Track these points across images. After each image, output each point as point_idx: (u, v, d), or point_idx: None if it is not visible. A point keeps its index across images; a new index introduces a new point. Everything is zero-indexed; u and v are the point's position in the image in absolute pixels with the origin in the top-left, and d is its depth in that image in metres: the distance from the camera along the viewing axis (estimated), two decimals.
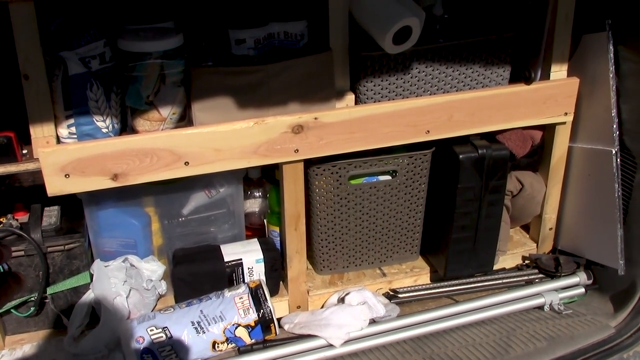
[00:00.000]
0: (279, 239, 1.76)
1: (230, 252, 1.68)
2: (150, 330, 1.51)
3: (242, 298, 1.58)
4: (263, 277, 1.69)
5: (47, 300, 1.58)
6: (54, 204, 1.63)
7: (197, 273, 1.64)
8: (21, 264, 1.55)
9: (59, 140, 1.45)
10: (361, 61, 1.56)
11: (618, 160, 1.67)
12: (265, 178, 1.81)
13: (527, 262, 1.93)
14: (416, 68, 1.60)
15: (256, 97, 1.51)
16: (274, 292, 1.73)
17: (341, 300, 1.72)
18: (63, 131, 1.44)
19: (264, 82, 1.50)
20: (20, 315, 1.59)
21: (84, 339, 1.53)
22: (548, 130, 1.81)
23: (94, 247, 1.65)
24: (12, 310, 1.57)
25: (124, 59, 1.44)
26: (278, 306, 1.70)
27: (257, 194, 1.81)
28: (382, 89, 1.60)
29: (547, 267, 1.85)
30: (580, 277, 1.83)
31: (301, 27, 1.58)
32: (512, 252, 1.93)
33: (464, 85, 1.67)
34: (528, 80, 1.69)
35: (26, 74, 1.35)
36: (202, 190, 1.68)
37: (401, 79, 1.61)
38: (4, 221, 1.55)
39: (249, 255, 1.67)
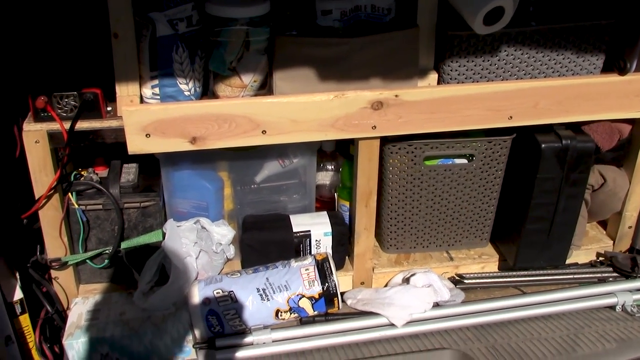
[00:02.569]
0: (348, 213, 1.75)
1: (299, 223, 1.68)
2: (217, 293, 1.54)
3: (308, 270, 1.59)
4: (330, 251, 1.69)
5: (120, 254, 1.63)
6: (133, 162, 1.67)
7: (265, 241, 1.65)
8: (98, 217, 1.60)
9: (142, 100, 1.48)
10: (448, 40, 1.52)
11: None
12: (339, 151, 1.80)
13: (601, 259, 1.86)
14: (504, 51, 1.55)
15: (338, 70, 1.50)
16: (339, 266, 1.73)
17: (406, 280, 1.70)
18: (147, 91, 1.47)
19: (347, 56, 1.49)
20: (95, 267, 1.64)
21: (153, 295, 1.57)
22: (637, 125, 1.72)
23: (168, 207, 1.69)
24: (87, 260, 1.63)
25: (210, 23, 1.45)
26: (342, 281, 1.70)
27: (330, 167, 1.80)
28: (467, 70, 1.56)
29: (622, 266, 1.79)
30: None
31: (389, 1, 1.55)
32: (586, 248, 1.87)
33: (552, 72, 1.61)
34: (622, 71, 1.60)
35: (116, 33, 1.38)
36: (276, 159, 1.68)
37: (488, 61, 1.56)
38: (85, 175, 1.60)
39: (317, 228, 1.68)
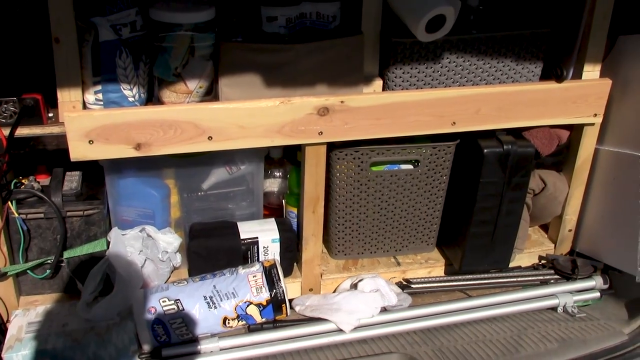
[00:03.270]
0: (296, 220, 1.75)
1: (246, 230, 1.68)
2: (163, 302, 1.52)
3: (255, 276, 1.58)
4: (278, 257, 1.69)
5: (63, 264, 1.59)
6: (76, 169, 1.64)
7: (212, 248, 1.64)
8: (40, 226, 1.56)
9: (85, 106, 1.46)
10: (392, 47, 1.54)
11: None
12: (287, 158, 1.80)
13: (543, 262, 1.91)
14: (447, 58, 1.58)
15: (284, 77, 1.50)
16: (287, 272, 1.73)
17: (354, 286, 1.71)
18: (90, 97, 1.45)
19: (292, 62, 1.49)
20: (36, 277, 1.60)
21: (97, 305, 1.54)
22: (575, 131, 1.78)
23: (113, 215, 1.66)
24: (28, 271, 1.58)
25: (155, 29, 1.44)
26: (290, 287, 1.70)
27: (278, 174, 1.81)
28: (411, 76, 1.59)
29: (563, 269, 1.84)
30: (597, 281, 1.81)
31: (334, 9, 1.57)
32: (529, 251, 1.92)
33: (493, 79, 1.65)
34: (559, 78, 1.66)
35: (57, 37, 1.35)
36: (223, 166, 1.67)
37: (431, 68, 1.59)
38: (25, 183, 1.56)
39: (265, 234, 1.67)
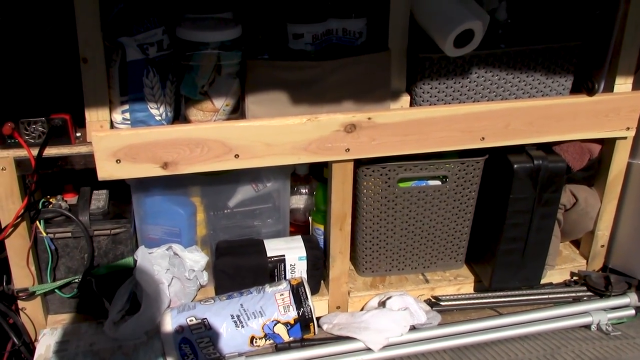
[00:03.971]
0: (322, 237, 1.74)
1: (273, 248, 1.66)
2: (190, 320, 1.51)
3: (283, 295, 1.56)
4: (305, 275, 1.67)
5: (90, 283, 1.59)
6: (103, 188, 1.64)
7: (239, 266, 1.63)
8: (67, 245, 1.56)
9: (112, 125, 1.46)
10: (419, 62, 1.53)
11: None
12: (313, 175, 1.79)
13: (575, 278, 1.87)
14: (475, 73, 1.56)
15: (310, 93, 1.49)
16: (314, 290, 1.71)
17: (382, 304, 1.69)
18: (117, 116, 1.45)
19: (319, 79, 1.48)
20: (64, 296, 1.60)
21: (124, 324, 1.54)
22: (607, 145, 1.75)
23: (139, 233, 1.66)
24: (55, 290, 1.59)
25: (182, 48, 1.44)
26: (318, 305, 1.68)
27: (304, 191, 1.79)
28: (438, 92, 1.57)
29: (596, 285, 1.80)
30: (631, 298, 1.76)
31: (360, 25, 1.56)
32: (560, 267, 1.88)
33: (523, 93, 1.63)
34: (590, 92, 1.63)
35: (85, 58, 1.36)
36: (249, 183, 1.67)
37: (459, 82, 1.57)
38: (53, 202, 1.57)
39: (292, 252, 1.66)
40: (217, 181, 1.63)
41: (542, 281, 1.81)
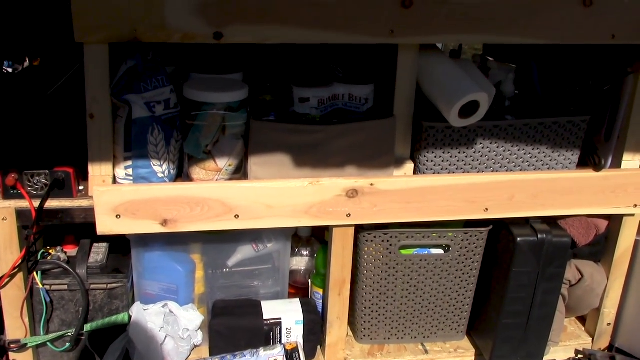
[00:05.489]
0: (321, 301, 1.71)
1: (270, 310, 1.64)
2: None
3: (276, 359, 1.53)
4: (301, 340, 1.64)
5: (83, 337, 1.57)
6: (104, 241, 1.64)
7: (234, 327, 1.60)
8: (63, 297, 1.55)
9: (115, 181, 1.47)
10: (424, 131, 1.53)
11: None
12: (315, 237, 1.78)
13: (580, 356, 1.81)
14: (480, 143, 1.56)
15: (314, 157, 1.50)
16: (310, 356, 1.67)
17: None
18: (120, 172, 1.46)
19: (323, 143, 1.49)
20: (56, 350, 1.58)
21: None
22: (614, 221, 1.72)
23: (137, 289, 1.64)
24: (48, 343, 1.57)
25: (187, 107, 1.46)
26: None
27: (305, 253, 1.78)
28: (442, 160, 1.56)
29: None
30: None
31: (367, 91, 1.57)
32: (564, 344, 1.82)
33: (528, 165, 1.62)
34: (597, 167, 1.61)
35: (92, 114, 1.38)
36: (249, 243, 1.65)
37: (464, 152, 1.56)
38: (52, 253, 1.57)
39: (289, 315, 1.63)
40: (217, 239, 1.62)
41: (546, 358, 1.76)
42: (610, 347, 1.84)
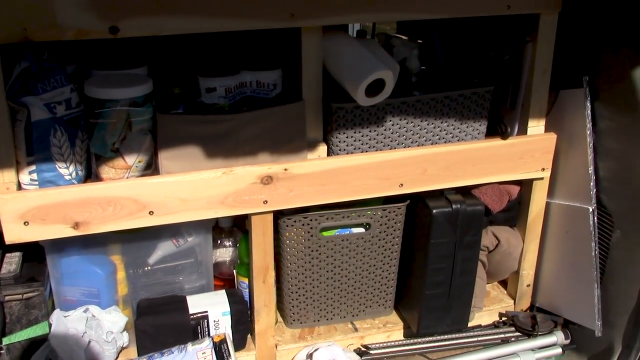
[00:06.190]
0: (247, 290, 1.70)
1: (196, 304, 1.62)
2: None
3: (205, 353, 1.52)
4: (229, 331, 1.63)
5: (2, 352, 1.52)
6: (17, 250, 1.58)
7: (160, 325, 1.58)
8: None
9: (20, 187, 1.41)
10: (333, 112, 1.54)
11: (595, 218, 1.63)
12: (237, 226, 1.77)
13: (504, 319, 1.88)
14: (390, 120, 1.58)
15: (225, 147, 1.48)
16: (240, 346, 1.67)
17: (309, 356, 1.66)
18: (24, 177, 1.41)
19: (233, 132, 1.47)
20: None
21: None
22: (525, 186, 1.78)
23: (56, 296, 1.60)
24: None
25: (90, 105, 1.41)
26: None
27: (228, 243, 1.77)
28: (355, 140, 1.58)
29: (523, 326, 1.81)
30: (558, 337, 1.78)
31: (274, 77, 1.57)
32: (488, 309, 1.88)
33: (439, 139, 1.65)
34: (504, 135, 1.66)
35: None
36: (169, 238, 1.63)
37: (374, 131, 1.58)
38: None
39: (215, 308, 1.62)
40: (136, 238, 1.59)
41: (471, 323, 1.81)
42: (532, 307, 1.91)
